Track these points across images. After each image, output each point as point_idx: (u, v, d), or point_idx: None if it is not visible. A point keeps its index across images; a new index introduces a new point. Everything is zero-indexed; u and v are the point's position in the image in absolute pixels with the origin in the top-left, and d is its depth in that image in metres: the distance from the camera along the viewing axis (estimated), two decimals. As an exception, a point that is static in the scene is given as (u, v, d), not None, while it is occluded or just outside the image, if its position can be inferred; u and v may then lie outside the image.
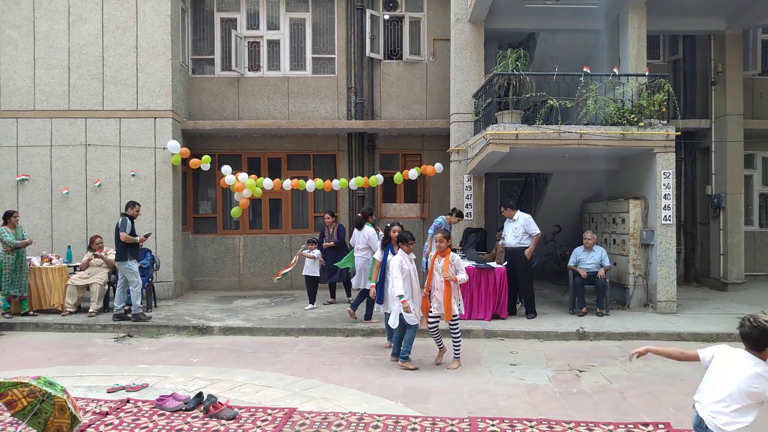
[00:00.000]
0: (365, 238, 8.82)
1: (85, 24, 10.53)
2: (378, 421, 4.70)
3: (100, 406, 5.09)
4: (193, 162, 10.50)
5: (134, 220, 8.76)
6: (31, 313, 8.97)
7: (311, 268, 9.68)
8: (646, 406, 5.17)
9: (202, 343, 7.68)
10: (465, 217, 10.14)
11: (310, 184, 10.45)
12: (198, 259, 11.82)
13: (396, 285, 6.21)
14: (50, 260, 9.49)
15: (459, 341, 6.43)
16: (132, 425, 4.66)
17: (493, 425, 4.63)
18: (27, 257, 9.11)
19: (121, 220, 8.61)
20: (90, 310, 8.86)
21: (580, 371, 6.30)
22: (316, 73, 11.93)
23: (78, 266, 9.44)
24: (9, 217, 8.89)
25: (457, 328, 6.37)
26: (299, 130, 11.56)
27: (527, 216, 8.86)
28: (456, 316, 6.29)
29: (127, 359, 6.90)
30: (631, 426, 4.66)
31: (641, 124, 8.77)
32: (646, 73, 9.19)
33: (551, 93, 8.83)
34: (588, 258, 9.04)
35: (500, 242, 9.33)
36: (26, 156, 10.50)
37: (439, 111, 11.67)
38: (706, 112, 11.84)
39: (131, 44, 10.57)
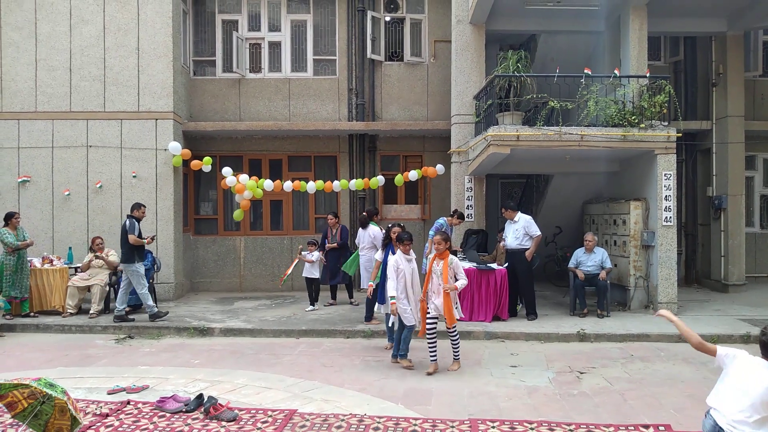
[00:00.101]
0: (370, 237, 8.83)
1: (87, 26, 10.55)
2: (378, 422, 4.70)
3: (101, 407, 5.09)
4: (194, 163, 10.51)
5: (140, 222, 8.79)
6: (32, 314, 8.98)
7: (311, 270, 9.69)
8: (646, 408, 5.17)
9: (202, 345, 7.68)
10: (466, 219, 10.14)
11: (311, 186, 10.45)
12: (199, 260, 11.83)
13: (388, 286, 6.23)
14: (51, 261, 9.50)
15: (457, 343, 6.41)
16: (132, 427, 4.66)
17: (493, 427, 4.62)
18: (28, 258, 9.12)
19: (129, 222, 8.60)
20: (91, 312, 8.87)
21: (581, 373, 6.29)
22: (317, 75, 11.94)
23: (79, 267, 9.45)
24: (10, 218, 8.90)
25: (455, 330, 6.35)
26: (300, 131, 11.57)
27: (528, 217, 8.86)
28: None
29: (128, 361, 6.90)
30: (632, 428, 4.65)
31: (642, 125, 8.77)
32: (647, 75, 9.19)
33: (552, 94, 8.84)
34: (589, 260, 9.03)
35: (501, 244, 9.33)
36: (28, 157, 10.51)
37: (440, 112, 11.67)
38: (707, 114, 11.83)
39: (133, 46, 10.58)
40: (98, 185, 10.51)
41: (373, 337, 7.92)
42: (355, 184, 10.69)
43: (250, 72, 11.83)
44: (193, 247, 11.80)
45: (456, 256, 7.44)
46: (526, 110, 9.43)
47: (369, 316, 8.43)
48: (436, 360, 6.24)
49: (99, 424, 4.70)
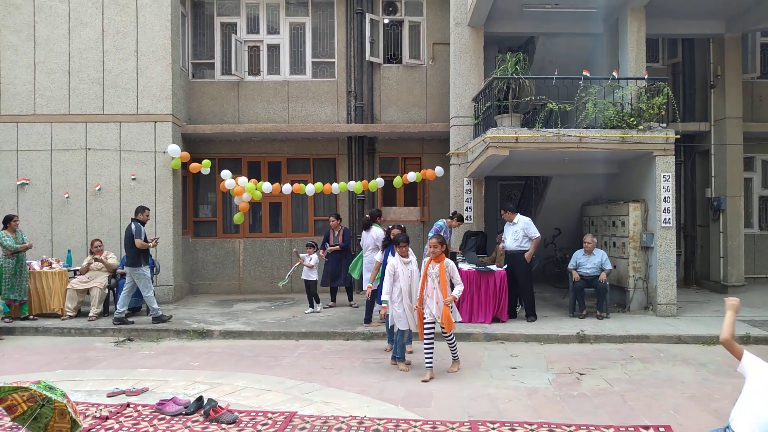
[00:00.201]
0: (373, 239, 8.84)
1: (86, 28, 10.56)
2: (378, 424, 4.69)
3: (100, 410, 5.08)
4: (193, 166, 10.51)
5: (144, 225, 8.80)
6: (31, 317, 8.97)
7: (309, 273, 9.69)
8: (646, 409, 5.17)
9: (202, 347, 7.67)
10: (465, 221, 10.13)
11: (310, 188, 10.45)
12: (198, 262, 11.82)
13: (384, 288, 6.23)
14: (50, 264, 9.49)
15: (454, 344, 6.39)
16: (132, 430, 4.65)
17: (493, 428, 4.62)
18: (27, 261, 9.12)
19: (134, 226, 8.60)
20: (90, 314, 8.86)
21: (581, 374, 6.29)
22: (315, 77, 11.95)
23: (78, 270, 9.44)
24: (9, 221, 8.89)
25: (452, 335, 6.32)
26: (299, 133, 11.58)
27: (527, 219, 8.87)
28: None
29: (128, 363, 6.89)
30: (632, 429, 4.65)
31: (641, 127, 8.78)
32: (646, 77, 9.20)
33: (551, 96, 8.86)
34: (588, 262, 9.04)
35: (500, 245, 9.34)
36: (26, 160, 10.51)
37: (439, 115, 11.69)
38: (705, 115, 11.86)
39: (131, 48, 10.59)
40: (97, 188, 10.51)
41: (372, 339, 7.92)
42: (354, 186, 10.69)
43: (249, 74, 11.84)
44: (192, 250, 11.79)
45: (455, 258, 7.45)
46: (525, 112, 9.44)
47: (368, 318, 8.44)
48: (431, 367, 6.11)
49: (99, 426, 4.69)
